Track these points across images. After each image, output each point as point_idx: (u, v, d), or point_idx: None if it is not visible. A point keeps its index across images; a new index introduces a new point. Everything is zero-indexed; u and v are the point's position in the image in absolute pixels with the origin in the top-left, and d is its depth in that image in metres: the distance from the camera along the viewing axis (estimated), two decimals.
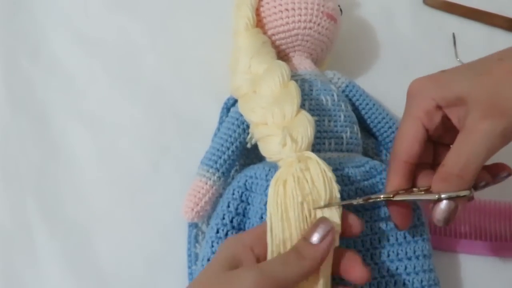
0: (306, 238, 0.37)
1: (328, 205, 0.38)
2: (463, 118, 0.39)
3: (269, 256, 0.37)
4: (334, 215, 0.38)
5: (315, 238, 0.36)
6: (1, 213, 0.51)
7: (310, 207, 0.38)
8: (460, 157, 0.38)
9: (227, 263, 0.36)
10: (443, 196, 0.38)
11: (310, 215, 0.38)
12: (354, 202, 0.41)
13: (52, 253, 0.50)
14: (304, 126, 0.40)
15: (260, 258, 0.37)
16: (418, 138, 0.42)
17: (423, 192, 0.41)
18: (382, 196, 0.41)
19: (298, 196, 0.37)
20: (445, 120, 0.42)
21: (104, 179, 0.53)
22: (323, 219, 0.37)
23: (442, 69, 0.43)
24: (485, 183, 0.41)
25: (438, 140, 0.44)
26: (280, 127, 0.40)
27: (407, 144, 0.42)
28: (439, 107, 0.41)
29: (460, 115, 0.40)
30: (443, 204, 0.38)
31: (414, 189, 0.42)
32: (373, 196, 0.41)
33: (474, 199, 0.51)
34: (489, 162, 0.40)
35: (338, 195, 0.38)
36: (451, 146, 0.41)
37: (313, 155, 0.39)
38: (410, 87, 0.43)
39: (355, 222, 0.39)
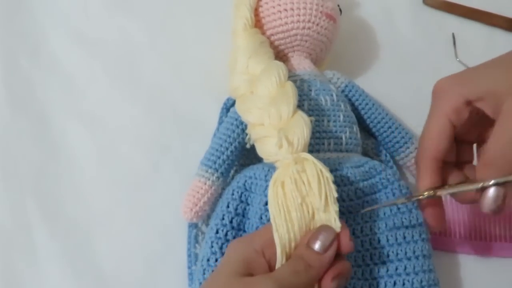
0: (309, 245, 0.37)
1: (371, 207, 0.39)
2: (498, 106, 0.39)
3: (278, 257, 0.37)
4: (331, 217, 0.38)
5: (317, 245, 0.37)
6: (1, 213, 0.51)
7: (309, 208, 0.38)
8: (501, 140, 0.38)
9: (240, 268, 0.36)
10: (490, 183, 0.37)
11: (312, 216, 0.38)
12: (398, 202, 0.41)
13: (52, 253, 0.50)
14: (300, 127, 0.40)
15: (271, 261, 0.37)
16: (446, 134, 0.41)
17: (465, 183, 0.40)
18: (425, 193, 0.41)
19: (297, 197, 0.37)
20: (472, 116, 0.41)
21: (104, 179, 0.53)
22: (326, 227, 0.37)
23: (468, 67, 0.43)
24: None
25: (463, 137, 0.43)
26: (277, 128, 0.41)
27: (435, 140, 0.42)
28: (468, 103, 0.41)
29: (495, 104, 0.39)
30: (491, 191, 0.37)
31: (446, 186, 0.41)
32: (415, 194, 0.41)
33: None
34: None
35: (336, 195, 0.38)
36: (474, 144, 0.41)
37: (309, 156, 0.39)
38: (436, 86, 0.43)
39: (345, 241, 0.38)
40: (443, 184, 0.42)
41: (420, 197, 0.41)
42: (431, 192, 0.41)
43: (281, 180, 0.38)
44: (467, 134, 0.43)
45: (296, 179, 0.38)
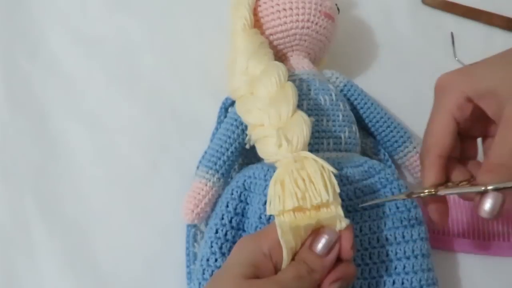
0: (311, 247, 0.37)
1: (370, 201, 0.39)
2: (499, 108, 0.39)
3: (284, 260, 0.37)
4: (336, 214, 0.38)
5: (319, 248, 0.37)
6: (0, 212, 0.51)
7: (308, 205, 0.37)
8: (505, 147, 0.38)
9: (248, 271, 0.36)
10: (490, 187, 0.37)
11: (315, 215, 0.38)
12: (399, 198, 0.40)
13: (51, 252, 0.50)
14: (300, 127, 0.40)
15: (278, 264, 0.37)
16: (450, 131, 0.41)
17: (465, 184, 0.40)
18: (426, 191, 0.40)
19: (298, 193, 0.37)
20: (475, 112, 0.41)
21: (103, 179, 0.53)
22: (328, 229, 0.37)
23: (469, 64, 0.43)
24: None
25: (467, 133, 0.43)
26: (276, 128, 0.40)
27: (439, 137, 0.41)
28: (469, 100, 0.41)
29: (495, 106, 0.39)
30: (491, 196, 0.37)
31: (449, 183, 0.41)
32: (416, 191, 0.40)
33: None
34: None
35: (338, 190, 0.38)
36: (477, 139, 0.41)
37: (309, 154, 0.39)
38: (439, 82, 0.43)
39: (345, 247, 0.38)
40: (447, 180, 0.42)
41: (421, 194, 0.41)
42: (432, 190, 0.40)
43: (281, 179, 0.38)
44: (471, 129, 0.43)
45: (296, 177, 0.38)
